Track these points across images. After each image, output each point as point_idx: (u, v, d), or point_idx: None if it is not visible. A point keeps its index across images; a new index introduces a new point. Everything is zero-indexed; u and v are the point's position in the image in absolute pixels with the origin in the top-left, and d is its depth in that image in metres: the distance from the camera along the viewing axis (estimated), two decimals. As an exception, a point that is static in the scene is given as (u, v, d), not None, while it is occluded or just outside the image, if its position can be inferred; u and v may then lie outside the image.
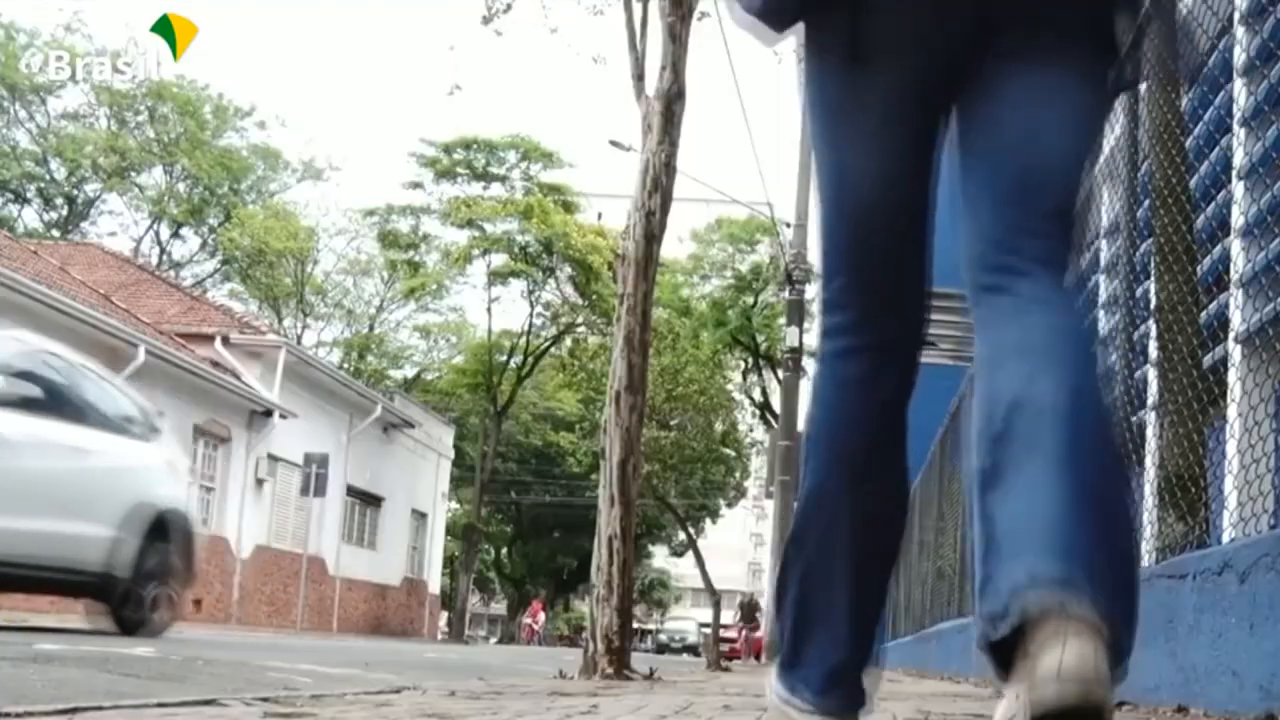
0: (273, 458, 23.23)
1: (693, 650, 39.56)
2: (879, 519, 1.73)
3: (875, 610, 1.75)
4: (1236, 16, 4.01)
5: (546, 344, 36.08)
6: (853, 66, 1.60)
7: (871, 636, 1.74)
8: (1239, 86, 4.17)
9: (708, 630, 28.60)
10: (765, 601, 24.83)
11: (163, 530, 8.19)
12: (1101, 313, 6.29)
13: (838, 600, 1.70)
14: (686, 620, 50.37)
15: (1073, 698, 1.27)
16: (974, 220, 1.57)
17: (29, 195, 35.87)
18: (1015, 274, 1.50)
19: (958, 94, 1.60)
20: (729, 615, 31.53)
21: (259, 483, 22.96)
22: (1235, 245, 4.11)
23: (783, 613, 1.77)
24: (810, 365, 26.01)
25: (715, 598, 19.10)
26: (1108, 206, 5.72)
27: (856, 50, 1.58)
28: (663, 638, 44.64)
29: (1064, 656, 1.25)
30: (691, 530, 27.91)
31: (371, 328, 39.14)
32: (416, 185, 34.34)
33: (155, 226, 37.59)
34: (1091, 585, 1.30)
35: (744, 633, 29.94)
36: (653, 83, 6.58)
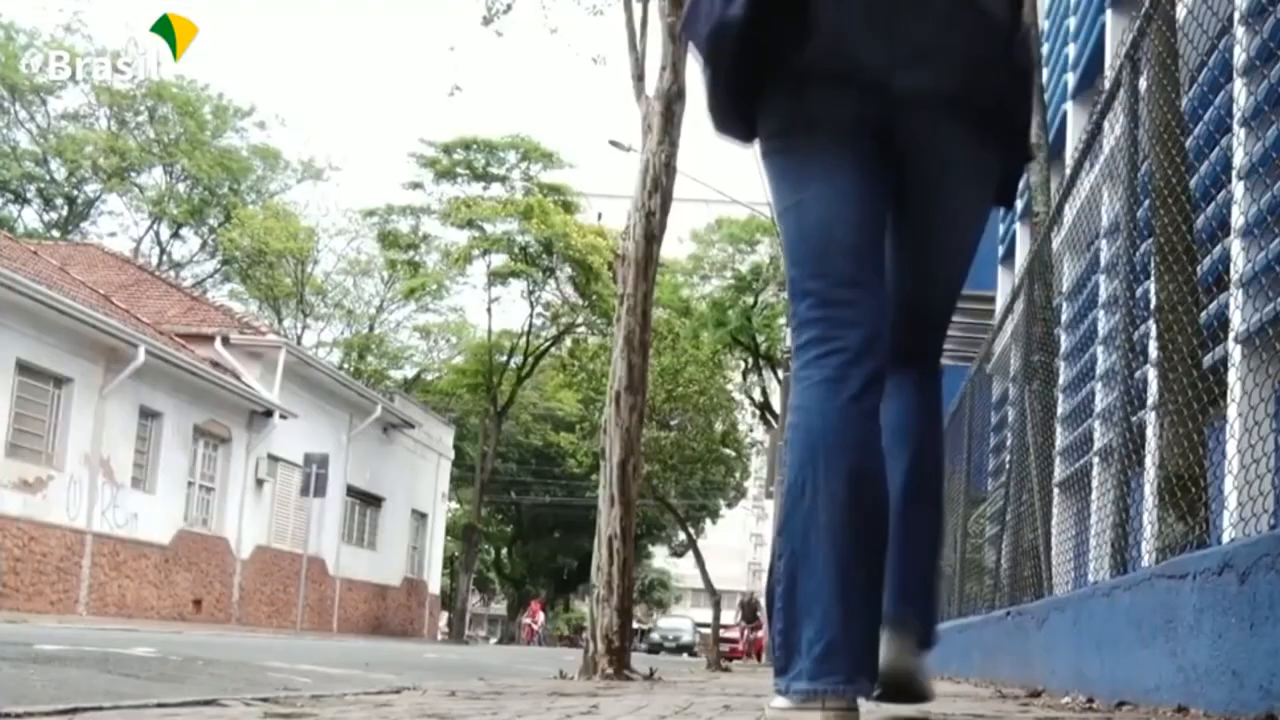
0: (273, 458, 23.23)
1: (689, 650, 38.64)
2: (856, 503, 1.86)
3: (867, 592, 1.87)
4: (1236, 16, 4.01)
5: (546, 344, 36.07)
6: (794, 135, 1.98)
7: (869, 617, 1.88)
8: (1239, 86, 4.17)
9: (706, 630, 28.52)
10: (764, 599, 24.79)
11: None
12: (1102, 313, 6.29)
13: (824, 583, 1.83)
14: (682, 619, 47.99)
15: (887, 664, 2.00)
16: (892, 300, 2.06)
17: (29, 195, 35.86)
18: (907, 372, 2.16)
19: (884, 167, 1.99)
20: (729, 615, 31.29)
21: (259, 483, 22.96)
22: (1235, 245, 4.11)
23: (775, 610, 1.90)
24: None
25: (715, 598, 19.10)
26: (1108, 206, 5.72)
27: (794, 126, 1.97)
28: (655, 637, 41.89)
29: (888, 645, 1.99)
30: (691, 530, 27.86)
31: (371, 328, 39.14)
32: (416, 185, 34.34)
33: (155, 227, 37.60)
34: (905, 604, 2.07)
35: (745, 632, 29.67)
36: (653, 83, 6.59)
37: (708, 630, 23.60)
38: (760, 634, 27.19)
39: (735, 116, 2.01)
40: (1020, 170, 2.21)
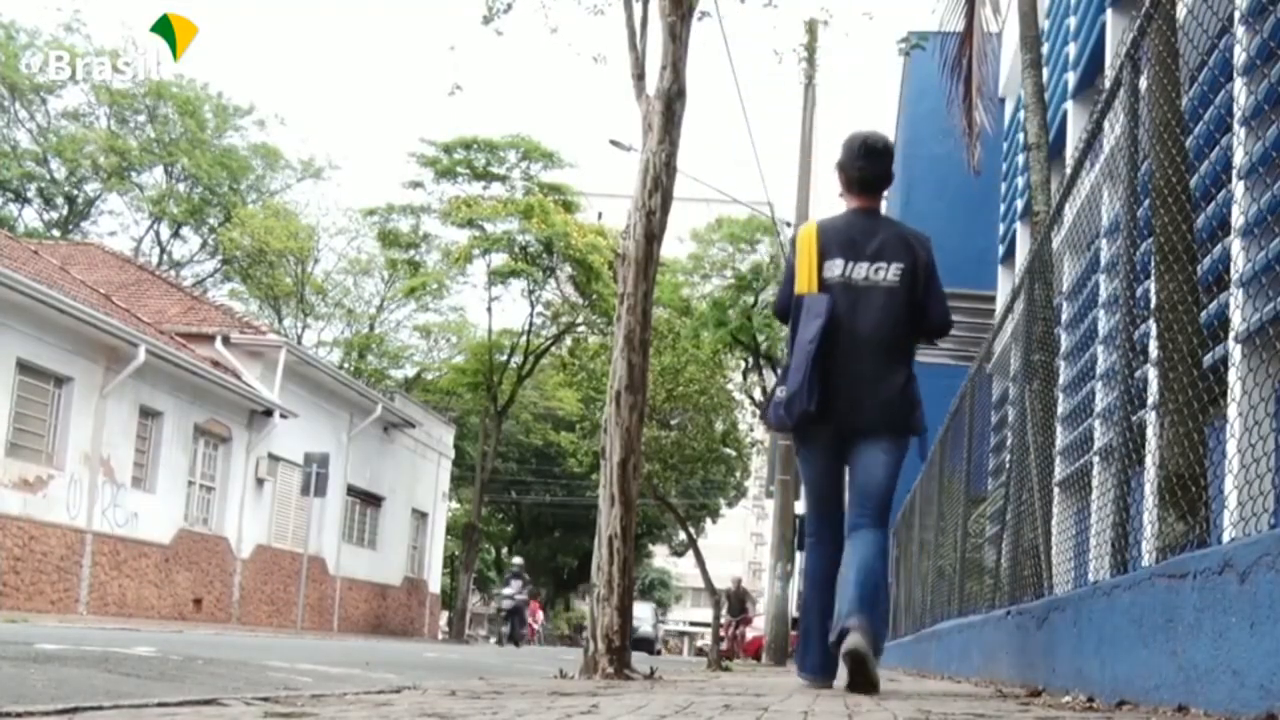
0: (273, 457, 23.23)
1: (649, 646, 36.10)
2: (822, 596, 4.68)
3: (823, 638, 4.64)
4: (1237, 16, 4.01)
5: (547, 344, 36.06)
6: (809, 443, 4.79)
7: (825, 648, 4.65)
8: (1239, 86, 4.17)
9: (704, 627, 28.36)
10: (763, 599, 24.47)
11: None
12: (1102, 312, 6.29)
13: (809, 629, 4.81)
14: (643, 605, 42.09)
15: (849, 646, 4.27)
16: (849, 499, 4.73)
17: (29, 195, 35.85)
18: (858, 525, 4.63)
19: (845, 452, 4.70)
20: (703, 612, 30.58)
21: (259, 482, 22.96)
22: (1235, 245, 4.11)
23: (800, 637, 4.96)
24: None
25: (716, 597, 19.08)
26: (1108, 206, 5.72)
27: (808, 439, 4.78)
28: None
29: (849, 639, 4.26)
30: (692, 530, 27.83)
31: (371, 327, 39.12)
32: (417, 185, 34.31)
33: (155, 226, 37.59)
34: (864, 618, 4.32)
35: (733, 628, 25.58)
36: (653, 82, 6.58)
37: (704, 629, 23.53)
38: (756, 631, 24.93)
39: (795, 425, 4.72)
40: (914, 435, 4.80)
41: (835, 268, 4.63)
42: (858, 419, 4.59)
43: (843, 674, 4.56)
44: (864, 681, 4.28)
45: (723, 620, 21.21)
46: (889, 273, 4.63)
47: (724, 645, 21.54)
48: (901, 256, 4.65)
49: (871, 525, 4.58)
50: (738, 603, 26.42)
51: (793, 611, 25.60)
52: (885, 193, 5.06)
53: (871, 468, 4.61)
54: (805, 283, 4.64)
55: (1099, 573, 4.63)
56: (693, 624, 73.20)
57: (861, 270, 4.64)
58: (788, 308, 4.75)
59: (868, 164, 4.80)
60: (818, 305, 4.55)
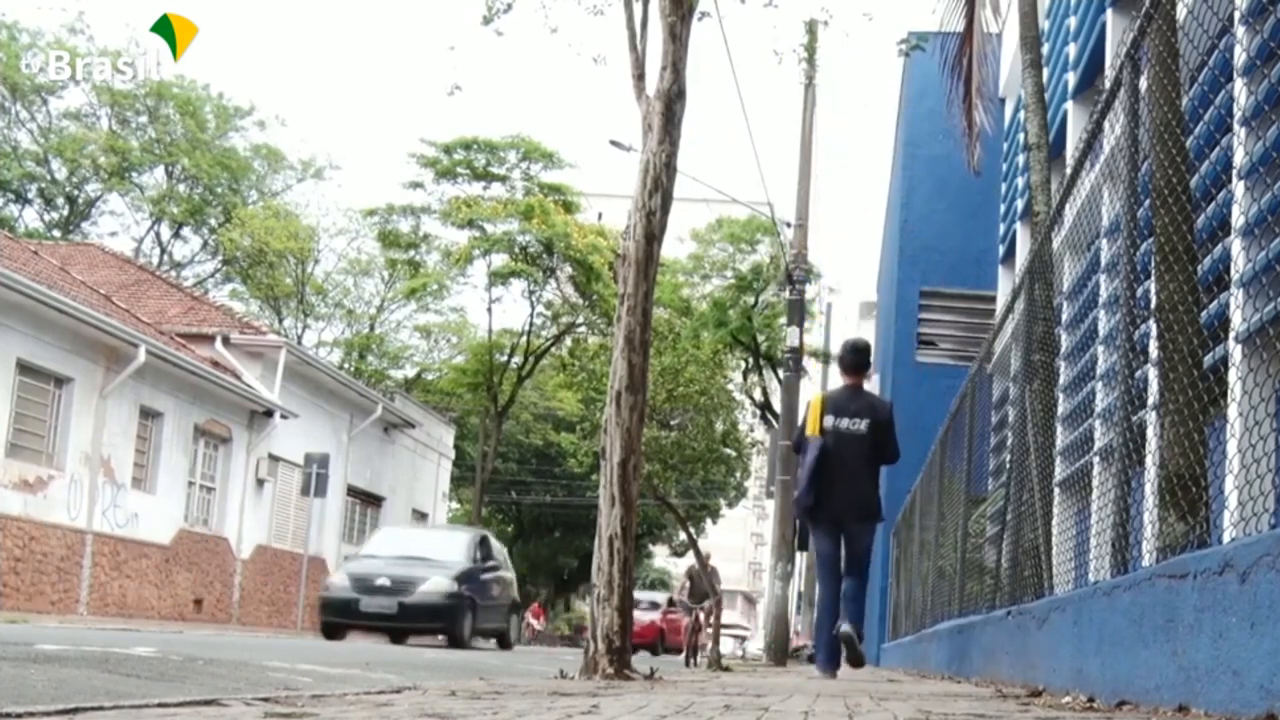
0: (273, 458, 23.23)
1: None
2: (833, 611, 7.56)
3: (830, 636, 7.50)
4: (1237, 16, 4.01)
5: (547, 344, 36.06)
6: (817, 525, 7.66)
7: (831, 642, 7.54)
8: (1239, 86, 4.17)
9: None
10: (763, 599, 24.27)
11: None
12: (1102, 312, 6.29)
13: (820, 632, 7.75)
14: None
15: (843, 632, 7.37)
16: (844, 559, 7.64)
17: (30, 195, 35.85)
18: (849, 574, 7.55)
19: (839, 531, 7.59)
20: (730, 615, 30.29)
21: (259, 483, 22.96)
22: (1235, 245, 4.11)
23: (816, 637, 8.27)
24: (809, 365, 25.92)
25: (716, 597, 19.07)
26: (1108, 206, 5.72)
27: (816, 522, 7.65)
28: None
29: (843, 629, 7.35)
30: (692, 530, 27.81)
31: (372, 328, 39.12)
32: (417, 185, 34.31)
33: (156, 226, 37.59)
34: (851, 622, 7.39)
35: (701, 617, 17.34)
36: (653, 82, 6.57)
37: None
38: (703, 623, 16.71)
39: (805, 521, 8.03)
40: (879, 521, 7.91)
41: (830, 420, 7.52)
42: (845, 513, 7.52)
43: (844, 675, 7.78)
44: (852, 654, 7.51)
45: (681, 603, 16.50)
46: (861, 426, 7.51)
47: (701, 640, 16.44)
48: (869, 415, 7.55)
49: (856, 576, 7.58)
50: (697, 592, 18.12)
51: (793, 615, 25.44)
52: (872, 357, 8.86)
53: (854, 542, 7.59)
54: (812, 428, 7.53)
55: (1099, 573, 4.63)
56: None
57: (845, 423, 7.50)
58: (801, 442, 7.68)
59: (852, 358, 7.76)
60: (815, 444, 7.45)
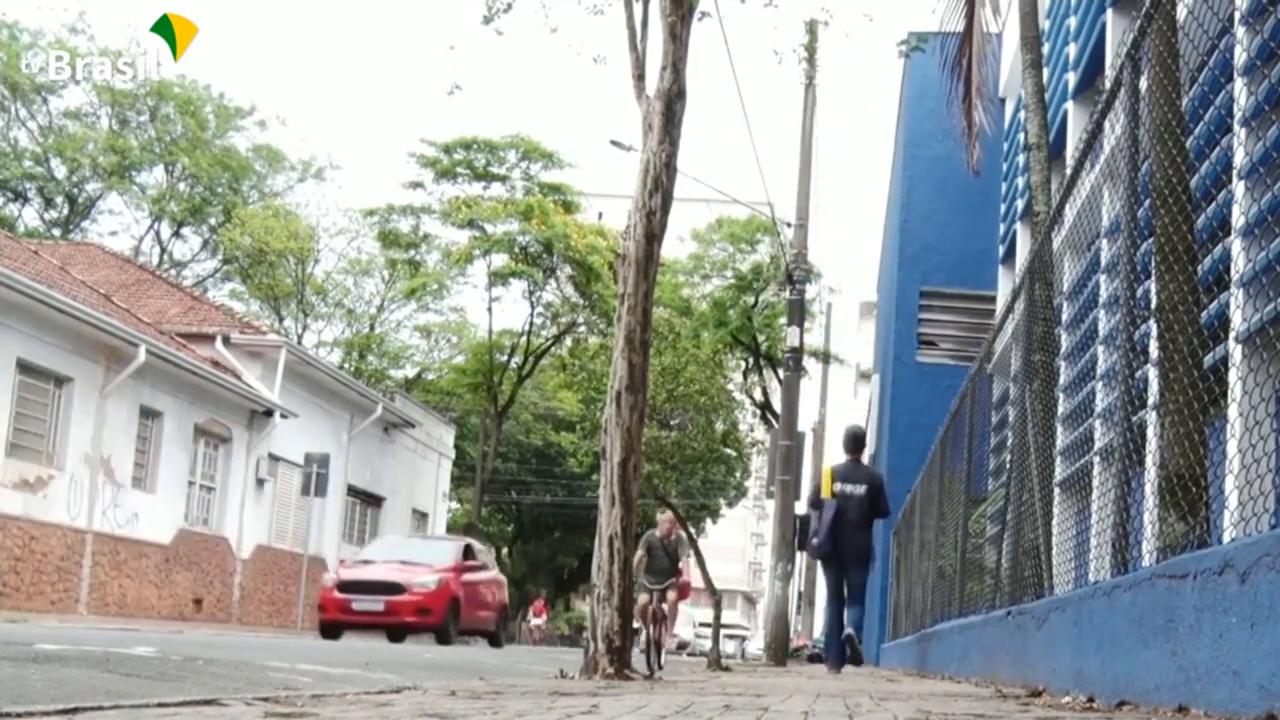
0: (273, 457, 23.23)
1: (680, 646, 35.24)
2: (838, 624, 10.21)
3: (837, 637, 10.19)
4: (1237, 16, 4.01)
5: (547, 344, 36.05)
6: (827, 565, 10.46)
7: (839, 643, 10.19)
8: (1239, 86, 4.17)
9: (705, 627, 28.27)
10: (765, 600, 24.14)
11: None
12: (1102, 312, 6.29)
13: (828, 635, 10.77)
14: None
15: (846, 633, 10.05)
16: (846, 588, 10.31)
17: (29, 195, 35.85)
18: (850, 601, 10.21)
19: (843, 570, 10.26)
20: (730, 614, 30.21)
21: (259, 482, 22.95)
22: (1236, 245, 4.11)
23: (823, 646, 12.58)
24: (810, 365, 25.87)
25: (716, 597, 19.08)
26: (1108, 206, 5.72)
27: (827, 563, 10.46)
28: None
29: (847, 632, 10.01)
30: (692, 530, 27.80)
31: (372, 327, 39.11)
32: (417, 185, 34.31)
33: (156, 226, 37.59)
34: (854, 629, 10.05)
35: (656, 601, 11.51)
36: (653, 82, 6.57)
37: (703, 628, 23.44)
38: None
39: (820, 556, 10.64)
40: (873, 562, 11.03)
41: (838, 486, 10.08)
42: (848, 557, 10.06)
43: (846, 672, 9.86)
44: (853, 652, 9.97)
45: (637, 582, 11.39)
46: (860, 490, 10.08)
47: (663, 634, 11.18)
48: (866, 482, 10.20)
49: (856, 603, 10.15)
50: (667, 561, 12.74)
51: (793, 616, 25.45)
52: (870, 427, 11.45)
53: (853, 578, 10.12)
54: (826, 492, 10.10)
55: (1099, 573, 4.63)
56: (701, 624, 73.07)
57: (849, 488, 10.07)
58: (817, 502, 10.33)
59: (851, 443, 10.47)
60: (831, 505, 9.99)
